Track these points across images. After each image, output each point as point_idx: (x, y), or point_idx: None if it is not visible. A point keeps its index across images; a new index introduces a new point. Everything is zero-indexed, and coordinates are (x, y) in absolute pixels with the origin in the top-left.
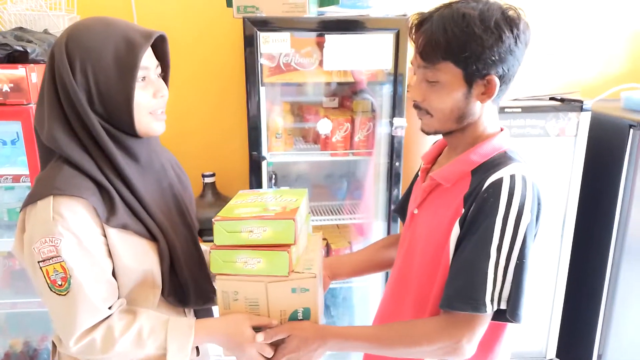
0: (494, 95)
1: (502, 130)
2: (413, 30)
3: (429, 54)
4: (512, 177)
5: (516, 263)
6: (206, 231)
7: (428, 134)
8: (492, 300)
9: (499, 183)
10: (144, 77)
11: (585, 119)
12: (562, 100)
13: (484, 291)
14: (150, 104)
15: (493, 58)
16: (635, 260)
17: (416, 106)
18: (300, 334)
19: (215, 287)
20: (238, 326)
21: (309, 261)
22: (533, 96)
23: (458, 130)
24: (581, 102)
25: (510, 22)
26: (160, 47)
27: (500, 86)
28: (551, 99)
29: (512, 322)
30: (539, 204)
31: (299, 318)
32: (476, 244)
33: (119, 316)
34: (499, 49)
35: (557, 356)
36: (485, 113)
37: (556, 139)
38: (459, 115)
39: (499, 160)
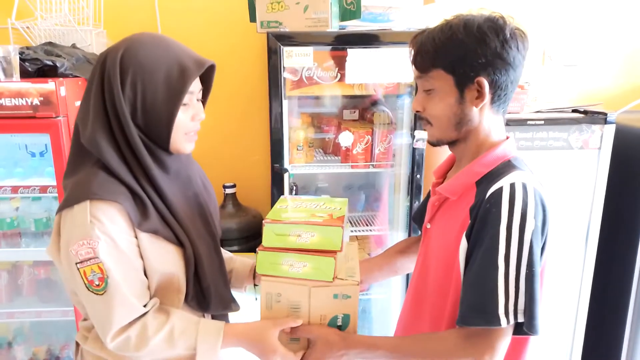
0: (486, 98)
1: (507, 138)
2: (409, 46)
3: (420, 63)
4: (512, 186)
5: (526, 272)
6: (226, 241)
7: (433, 144)
8: (506, 313)
9: (499, 193)
10: (187, 101)
11: (609, 131)
12: (585, 112)
13: (495, 304)
14: (188, 126)
15: (479, 61)
16: None
17: (419, 117)
18: (325, 337)
19: (259, 288)
20: (263, 335)
21: (351, 269)
22: (555, 108)
23: (461, 140)
24: (605, 114)
25: (495, 27)
26: (207, 72)
27: (495, 91)
28: (574, 111)
29: (529, 334)
30: (543, 210)
31: (338, 324)
32: (483, 257)
33: (153, 315)
34: (483, 52)
35: None
36: (485, 120)
37: (579, 151)
38: (456, 122)
39: (502, 170)
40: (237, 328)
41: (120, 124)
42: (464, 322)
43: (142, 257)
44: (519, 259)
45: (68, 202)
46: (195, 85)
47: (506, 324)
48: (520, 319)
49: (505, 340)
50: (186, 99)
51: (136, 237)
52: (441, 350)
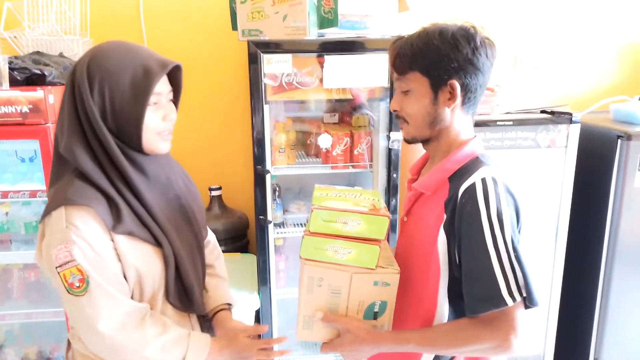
0: (457, 99)
1: (474, 137)
2: (389, 51)
3: (398, 65)
4: (483, 180)
5: (514, 254)
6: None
7: (408, 142)
8: (510, 293)
9: (472, 188)
10: (156, 102)
11: (574, 130)
12: (552, 112)
13: (497, 286)
14: (159, 126)
15: (452, 65)
16: (626, 266)
17: (397, 116)
18: (355, 331)
19: (302, 272)
20: (233, 342)
21: (388, 258)
22: (524, 109)
23: (434, 138)
24: (570, 114)
25: (467, 36)
26: (175, 74)
27: (466, 94)
28: (542, 111)
29: (530, 307)
30: (513, 198)
31: (375, 310)
32: (473, 250)
33: (152, 322)
34: (456, 57)
35: (554, 359)
36: (456, 120)
37: (547, 150)
38: (430, 121)
39: (471, 166)
40: (220, 342)
41: (93, 130)
42: (475, 311)
43: (120, 260)
44: (505, 243)
45: (47, 210)
46: (163, 87)
47: (512, 302)
48: (524, 294)
49: (521, 316)
50: (155, 99)
51: (112, 240)
52: (469, 338)
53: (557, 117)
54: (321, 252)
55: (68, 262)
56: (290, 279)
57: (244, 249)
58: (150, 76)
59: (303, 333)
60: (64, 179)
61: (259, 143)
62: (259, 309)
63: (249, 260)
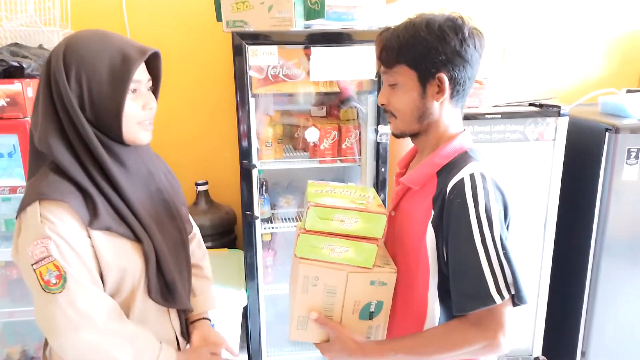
0: (446, 93)
1: (463, 131)
2: (376, 43)
3: (385, 59)
4: (472, 176)
5: (502, 252)
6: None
7: (397, 136)
8: (498, 291)
9: (461, 184)
10: (134, 90)
11: (562, 123)
12: (540, 105)
13: (485, 284)
14: (139, 115)
15: (440, 58)
16: (614, 259)
17: (384, 110)
18: (344, 341)
19: (296, 271)
20: (198, 354)
21: (384, 257)
22: (513, 102)
23: (422, 133)
24: (559, 107)
25: (454, 27)
26: (153, 63)
27: (454, 87)
28: (530, 104)
29: (519, 304)
30: (502, 194)
31: (371, 310)
32: (462, 247)
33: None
34: (444, 50)
35: (543, 354)
36: (444, 114)
37: (535, 143)
38: (418, 115)
39: (460, 161)
40: (182, 356)
41: (71, 120)
42: (463, 309)
43: (97, 256)
44: (494, 241)
45: (22, 205)
46: (142, 75)
47: (501, 300)
48: (512, 292)
49: (509, 314)
50: (133, 86)
51: (89, 237)
52: (459, 341)
53: (546, 110)
54: (317, 251)
55: (45, 257)
56: (279, 275)
57: (231, 244)
58: (128, 63)
59: (296, 333)
60: (39, 173)
61: (245, 137)
62: (247, 305)
63: (237, 256)
